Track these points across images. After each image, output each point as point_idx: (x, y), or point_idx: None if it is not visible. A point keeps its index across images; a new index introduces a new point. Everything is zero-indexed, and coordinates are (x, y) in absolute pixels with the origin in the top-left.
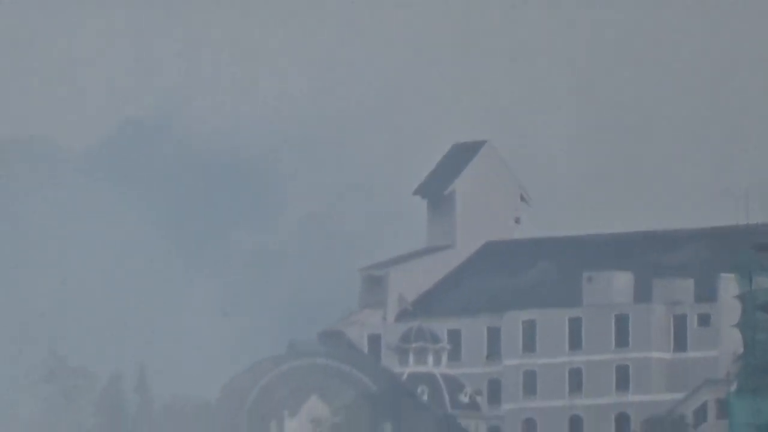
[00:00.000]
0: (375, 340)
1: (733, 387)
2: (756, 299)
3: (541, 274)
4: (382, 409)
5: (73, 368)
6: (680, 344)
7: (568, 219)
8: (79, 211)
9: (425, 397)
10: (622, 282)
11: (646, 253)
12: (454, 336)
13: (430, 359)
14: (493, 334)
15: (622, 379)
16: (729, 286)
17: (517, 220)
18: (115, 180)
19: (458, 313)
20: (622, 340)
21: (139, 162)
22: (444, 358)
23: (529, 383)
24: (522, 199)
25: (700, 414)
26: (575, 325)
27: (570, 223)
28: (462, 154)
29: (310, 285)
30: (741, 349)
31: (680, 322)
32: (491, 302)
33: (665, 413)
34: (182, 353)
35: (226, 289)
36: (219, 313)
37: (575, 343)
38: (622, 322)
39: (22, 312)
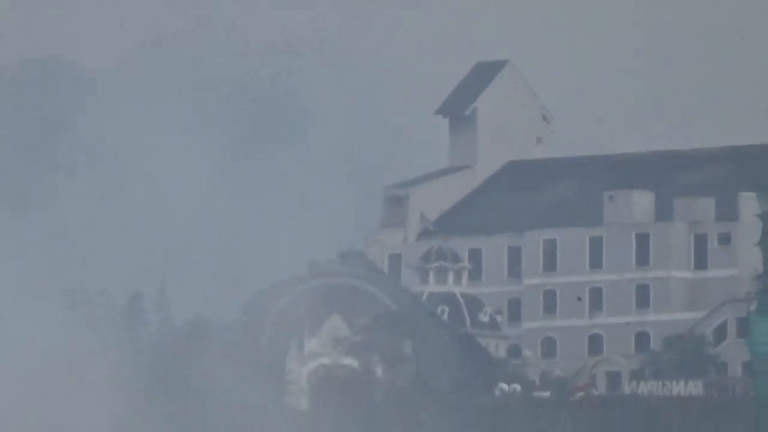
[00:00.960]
0: (395, 260)
1: (753, 306)
2: None
3: (562, 193)
4: (402, 329)
5: (93, 289)
6: (701, 263)
7: (590, 138)
8: (99, 133)
9: (445, 317)
10: (643, 201)
11: (668, 173)
12: (475, 255)
13: (451, 278)
14: (514, 254)
15: (643, 298)
16: (750, 204)
17: (539, 140)
18: (137, 101)
19: (479, 232)
20: (642, 259)
21: (162, 84)
22: (464, 278)
23: (549, 302)
24: (544, 119)
25: (720, 333)
26: (596, 243)
27: (592, 142)
28: (484, 74)
29: (330, 204)
30: (761, 268)
31: (701, 241)
32: (512, 221)
33: (685, 332)
34: (203, 273)
35: (247, 211)
36: (239, 234)
37: (596, 262)
38: (642, 240)
39: (41, 233)
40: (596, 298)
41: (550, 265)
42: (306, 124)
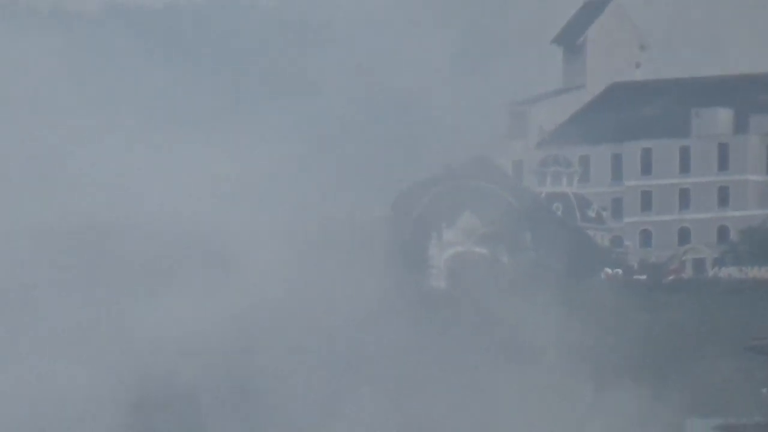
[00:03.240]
0: (518, 165)
1: None
2: None
3: (657, 109)
4: (524, 222)
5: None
6: None
7: (681, 63)
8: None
9: (559, 213)
10: (724, 117)
11: (745, 93)
12: (584, 161)
13: (564, 181)
14: (616, 160)
15: (723, 197)
16: None
17: (638, 65)
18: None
19: (587, 142)
20: (723, 165)
21: None
22: (575, 180)
23: (646, 201)
24: (641, 46)
25: None
26: (684, 152)
27: (683, 66)
28: (592, 9)
29: (465, 117)
30: None
31: None
32: (615, 133)
33: (758, 225)
34: (351, 173)
35: (389, 119)
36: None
37: (684, 168)
38: (723, 150)
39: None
40: (685, 198)
41: (646, 169)
42: (435, 47)
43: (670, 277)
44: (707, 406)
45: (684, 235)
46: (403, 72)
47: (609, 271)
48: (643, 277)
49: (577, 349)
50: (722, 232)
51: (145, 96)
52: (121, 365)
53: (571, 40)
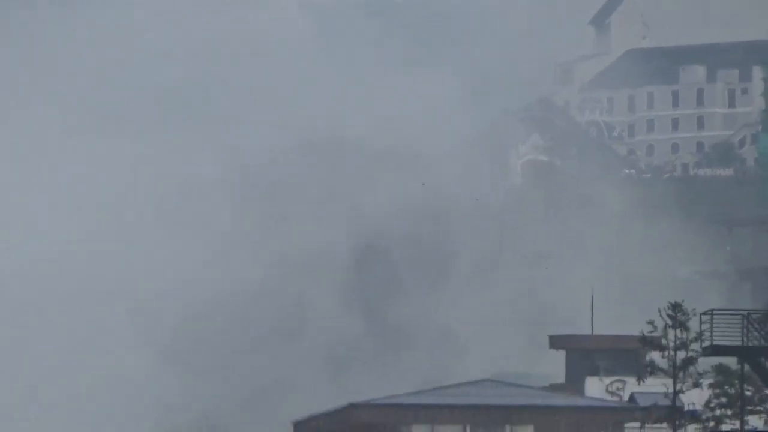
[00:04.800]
0: (567, 103)
1: (760, 127)
2: None
3: (656, 66)
4: (570, 140)
5: None
6: (731, 104)
7: (673, 35)
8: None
9: (594, 134)
10: (700, 71)
11: (714, 55)
12: (610, 100)
13: (597, 113)
14: (631, 99)
15: (701, 123)
16: (759, 72)
17: (644, 37)
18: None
19: (611, 87)
20: (700, 102)
21: None
22: (604, 112)
23: (650, 125)
24: (644, 24)
25: (742, 141)
26: (675, 94)
27: (674, 37)
28: (614, 3)
29: (532, 72)
30: (764, 107)
31: (731, 93)
32: (630, 81)
33: (723, 141)
34: (474, 108)
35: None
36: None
37: (675, 104)
38: (700, 93)
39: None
40: (675, 123)
41: (650, 105)
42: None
43: (666, 175)
44: (691, 257)
45: (675, 148)
46: (497, 43)
47: (626, 171)
48: (648, 175)
49: (614, 208)
50: (700, 146)
51: (366, 57)
52: (347, 231)
53: (601, 21)
